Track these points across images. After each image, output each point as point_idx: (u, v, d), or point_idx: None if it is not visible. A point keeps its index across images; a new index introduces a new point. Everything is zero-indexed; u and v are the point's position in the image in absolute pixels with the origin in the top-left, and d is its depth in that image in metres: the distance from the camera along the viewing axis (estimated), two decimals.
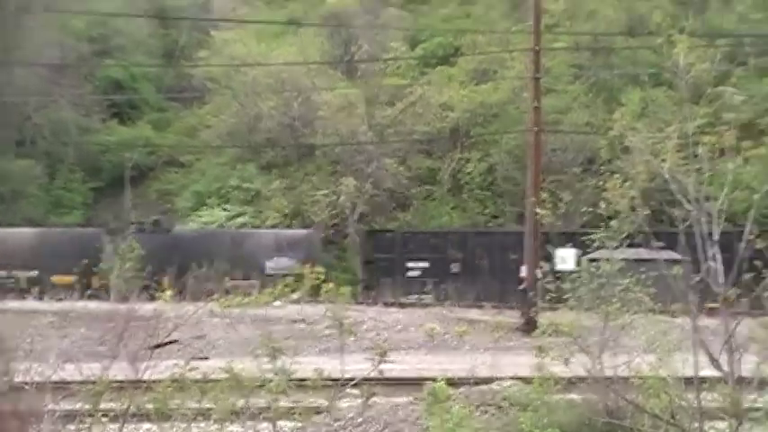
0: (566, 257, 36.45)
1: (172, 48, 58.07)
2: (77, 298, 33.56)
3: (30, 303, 32.08)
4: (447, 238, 39.23)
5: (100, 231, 38.88)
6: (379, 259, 39.04)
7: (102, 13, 53.11)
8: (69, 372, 11.77)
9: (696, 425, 10.16)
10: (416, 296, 35.50)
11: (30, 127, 50.99)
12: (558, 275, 13.97)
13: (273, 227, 42.07)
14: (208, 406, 10.13)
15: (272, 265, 36.29)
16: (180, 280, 34.24)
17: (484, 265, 37.58)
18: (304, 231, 40.84)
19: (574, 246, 13.14)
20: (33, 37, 50.92)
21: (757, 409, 10.19)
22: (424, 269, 37.90)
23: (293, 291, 10.34)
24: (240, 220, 43.25)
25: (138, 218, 44.89)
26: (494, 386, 16.49)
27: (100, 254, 36.78)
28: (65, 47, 53.20)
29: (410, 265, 37.99)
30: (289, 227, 42.54)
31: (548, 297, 13.79)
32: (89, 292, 34.11)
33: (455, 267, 37.71)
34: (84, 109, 52.83)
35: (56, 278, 34.22)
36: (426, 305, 33.68)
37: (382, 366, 10.16)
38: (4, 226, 41.46)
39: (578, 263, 35.54)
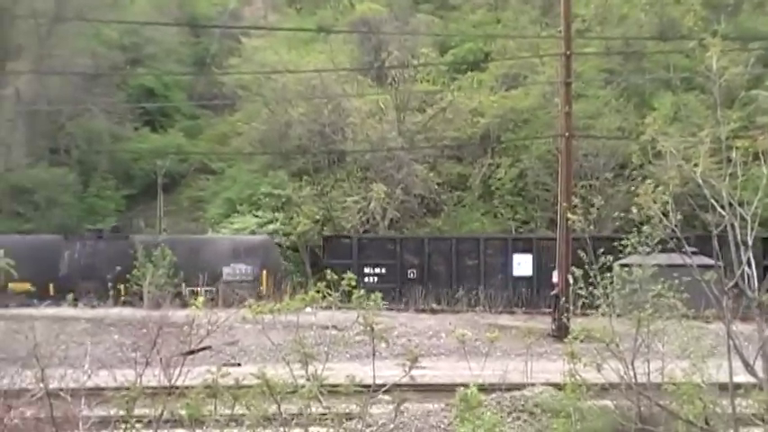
0: (522, 263, 36.65)
1: (203, 56, 58.44)
2: (111, 305, 33.80)
3: (65, 310, 32.30)
4: (403, 243, 39.05)
5: (58, 238, 38.93)
6: (334, 265, 38.44)
7: (133, 21, 53.51)
8: (103, 378, 11.86)
9: (731, 431, 10.09)
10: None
11: (63, 136, 51.51)
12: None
13: (303, 233, 42.16)
14: (240, 412, 10.16)
15: (229, 271, 36.22)
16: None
17: (441, 270, 37.40)
18: (261, 238, 40.66)
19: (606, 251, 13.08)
20: (66, 45, 51.35)
21: None
22: (380, 275, 37.84)
23: (324, 297, 10.32)
24: (271, 226, 43.32)
25: (168, 225, 45.21)
26: (526, 392, 16.45)
27: (58, 261, 37.05)
28: (97, 55, 53.65)
29: (367, 270, 37.87)
30: (320, 232, 42.62)
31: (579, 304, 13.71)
32: (123, 298, 34.41)
33: (412, 273, 37.61)
34: (116, 117, 53.28)
35: (13, 285, 34.39)
36: (457, 311, 33.63)
37: (414, 372, 10.14)
38: (38, 233, 41.84)
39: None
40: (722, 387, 10.71)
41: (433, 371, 21.06)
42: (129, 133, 53.96)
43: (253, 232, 42.18)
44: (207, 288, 34.53)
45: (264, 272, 36.98)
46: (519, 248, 37.89)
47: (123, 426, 9.51)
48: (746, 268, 9.92)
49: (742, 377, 10.13)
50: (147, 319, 12.91)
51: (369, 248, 39.03)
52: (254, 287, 35.80)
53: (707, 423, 10.36)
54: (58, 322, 26.42)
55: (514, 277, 37.08)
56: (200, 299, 10.71)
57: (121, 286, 34.38)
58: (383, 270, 37.91)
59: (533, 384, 17.18)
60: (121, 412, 9.50)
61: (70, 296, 31.35)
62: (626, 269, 13.99)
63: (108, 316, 30.82)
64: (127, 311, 30.49)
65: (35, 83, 50.68)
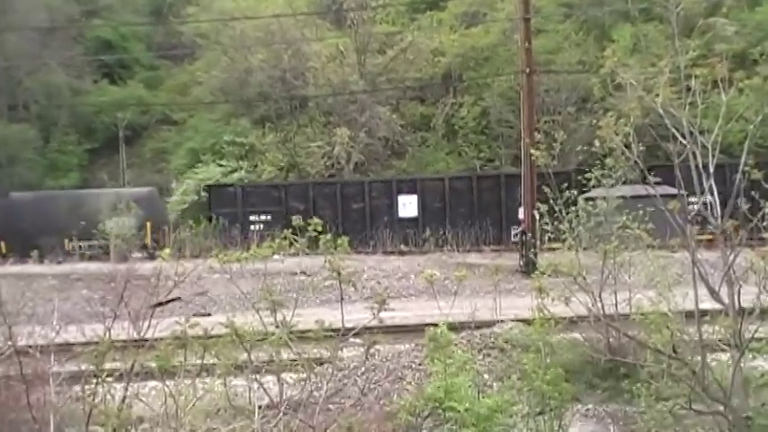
0: (407, 204, 36.94)
1: (160, 5, 57.74)
2: (78, 260, 33.72)
3: (31, 267, 32.20)
4: (288, 190, 39.23)
5: None
6: (220, 214, 38.76)
7: None
8: (72, 334, 11.82)
9: (698, 358, 10.20)
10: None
11: (22, 91, 50.89)
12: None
13: (270, 180, 42.06)
14: (211, 362, 10.17)
15: (111, 225, 36.24)
16: (20, 244, 34.94)
17: (327, 215, 37.14)
18: (145, 189, 40.61)
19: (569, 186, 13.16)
20: (21, 0, 50.61)
21: (759, 340, 10.22)
22: (266, 222, 37.94)
23: (291, 244, 10.29)
24: (236, 175, 43.19)
25: (132, 178, 44.95)
26: (495, 329, 16.56)
27: None
28: (53, 9, 52.93)
29: (252, 218, 38.20)
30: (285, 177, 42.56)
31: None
32: (88, 253, 34.38)
33: (297, 219, 37.44)
34: (75, 71, 52.67)
35: None
36: (425, 252, 33.74)
37: (383, 314, 10.16)
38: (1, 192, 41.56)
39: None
40: (689, 315, 10.80)
41: (403, 312, 21.15)
42: (89, 86, 53.41)
43: (217, 181, 42.01)
44: (89, 242, 34.83)
45: (148, 224, 37.01)
46: (404, 190, 38.36)
47: (94, 380, 9.48)
48: (708, 196, 9.96)
49: (708, 304, 10.22)
50: (114, 273, 12.86)
51: (253, 196, 39.24)
52: (138, 239, 36.06)
53: (674, 351, 10.45)
54: (25, 279, 26.35)
55: (400, 219, 37.45)
56: (167, 250, 10.64)
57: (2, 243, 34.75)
58: (268, 217, 38.02)
59: (502, 321, 17.30)
60: (92, 367, 9.46)
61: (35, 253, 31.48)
62: (590, 202, 14.07)
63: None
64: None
65: None
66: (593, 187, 13.85)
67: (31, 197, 39.70)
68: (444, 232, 35.32)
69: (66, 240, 36.21)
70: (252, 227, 37.60)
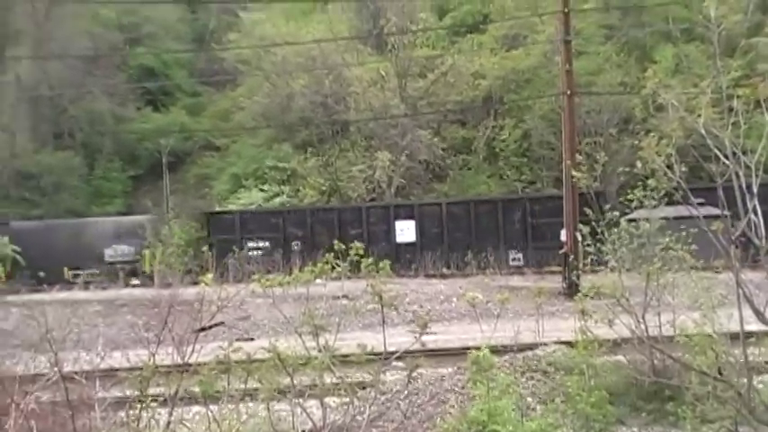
0: (404, 229, 36.81)
1: (201, 32, 58.35)
2: (122, 286, 34.03)
3: (77, 293, 32.49)
4: (286, 216, 38.95)
5: None
6: (219, 240, 38.54)
7: (130, 0, 53.34)
8: (117, 359, 11.91)
9: (744, 380, 10.11)
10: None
11: (66, 119, 51.51)
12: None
13: (312, 203, 42.19)
14: (255, 386, 10.21)
15: (111, 252, 36.46)
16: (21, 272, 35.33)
17: (325, 241, 36.33)
18: (143, 217, 40.79)
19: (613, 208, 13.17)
20: (64, 28, 51.28)
21: None
22: (264, 248, 37.86)
23: (333, 268, 10.34)
24: (278, 200, 43.42)
25: (175, 204, 45.31)
26: (538, 351, 16.48)
27: None
28: (96, 37, 53.57)
29: (251, 245, 37.92)
30: (327, 202, 42.72)
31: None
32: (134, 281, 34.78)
33: (296, 245, 37.52)
34: (118, 98, 53.27)
35: None
36: (468, 275, 33.68)
37: (426, 338, 10.17)
38: (47, 218, 42.07)
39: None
40: (734, 336, 10.72)
41: (446, 335, 21.10)
42: (132, 114, 53.97)
43: (259, 206, 42.25)
44: (89, 271, 35.16)
45: (147, 252, 37.26)
46: (401, 215, 38.27)
47: (138, 405, 9.56)
48: (753, 216, 9.89)
49: (753, 326, 10.13)
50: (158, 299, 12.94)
51: (251, 223, 39.09)
52: (136, 267, 36.36)
53: (720, 373, 10.37)
54: (70, 306, 26.58)
55: (397, 244, 37.32)
56: (209, 275, 10.72)
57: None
58: (267, 243, 37.89)
59: (545, 343, 17.20)
60: (136, 392, 9.55)
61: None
62: (633, 224, 14.00)
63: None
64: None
65: (35, 68, 50.67)
66: (636, 208, 13.78)
67: (33, 226, 40.18)
68: (486, 255, 35.21)
69: (66, 269, 36.66)
70: (250, 253, 37.55)
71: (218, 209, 42.68)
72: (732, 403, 10.23)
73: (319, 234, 37.84)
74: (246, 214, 39.86)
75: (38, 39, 51.13)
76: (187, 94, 57.66)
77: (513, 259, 36.50)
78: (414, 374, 12.95)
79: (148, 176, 51.47)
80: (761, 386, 10.85)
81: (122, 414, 10.18)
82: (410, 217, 38.11)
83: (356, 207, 39.86)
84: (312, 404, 10.66)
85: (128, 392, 9.98)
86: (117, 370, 11.05)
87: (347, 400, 10.33)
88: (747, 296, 9.77)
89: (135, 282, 35.74)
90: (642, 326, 12.75)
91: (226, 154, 50.78)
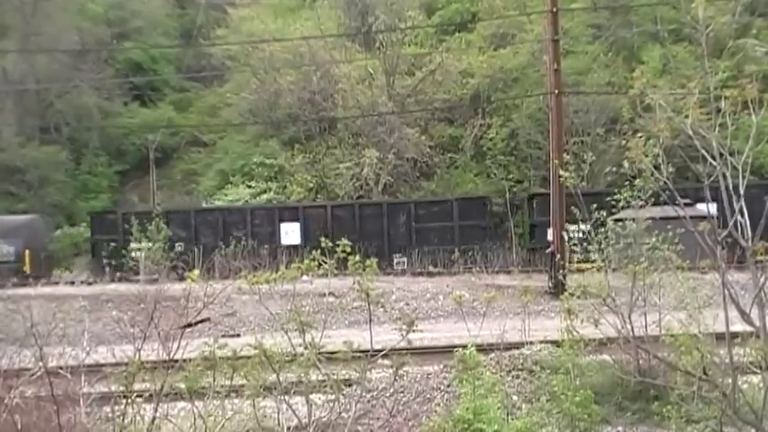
0: (289, 232, 36.79)
1: (189, 28, 58.10)
2: (108, 281, 33.93)
3: (62, 288, 32.40)
4: (169, 217, 38.12)
5: None
6: (102, 240, 38.52)
7: None
8: (102, 354, 11.89)
9: (729, 380, 10.14)
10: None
11: (53, 113, 51.37)
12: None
13: (299, 201, 42.18)
14: (240, 383, 10.21)
15: None
16: None
17: (209, 242, 36.86)
18: (25, 217, 40.65)
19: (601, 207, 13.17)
20: (51, 23, 51.13)
21: None
22: (148, 249, 36.62)
23: (319, 265, 10.33)
24: (265, 196, 43.41)
25: (162, 199, 45.28)
26: (524, 350, 16.52)
27: None
28: (83, 32, 53.45)
29: (133, 245, 36.85)
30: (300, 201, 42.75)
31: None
32: (119, 274, 34.66)
33: (180, 246, 37.18)
34: (105, 93, 53.14)
35: None
36: (454, 273, 33.69)
37: (412, 336, 10.16)
38: (33, 213, 41.92)
39: None
40: (719, 337, 10.75)
41: (432, 333, 21.10)
42: (119, 108, 53.82)
43: (246, 203, 42.23)
44: None
45: (27, 251, 37.13)
46: (286, 217, 38.20)
47: (124, 401, 9.54)
48: (739, 217, 9.92)
49: (739, 326, 10.16)
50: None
51: (134, 223, 37.90)
52: (17, 267, 36.27)
53: (705, 373, 10.40)
54: (55, 301, 26.51)
55: (283, 246, 36.96)
56: (196, 271, 10.70)
57: None
58: (150, 244, 36.54)
59: (531, 342, 17.24)
60: (121, 388, 9.53)
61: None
62: (620, 224, 14.05)
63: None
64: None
65: (22, 62, 50.50)
66: (623, 208, 13.82)
67: None
68: (473, 254, 35.23)
69: None
70: (133, 254, 36.60)
71: (99, 209, 42.95)
72: (717, 403, 10.26)
73: (204, 235, 37.85)
74: (128, 215, 38.47)
75: (25, 33, 50.99)
76: (174, 89, 57.53)
77: (398, 263, 36.49)
78: (400, 372, 12.96)
79: (135, 172, 51.40)
80: (745, 386, 10.89)
81: (107, 409, 10.15)
82: (295, 219, 38.04)
83: (240, 209, 39.82)
84: (298, 401, 10.65)
85: (113, 388, 9.95)
86: (102, 365, 11.02)
87: (333, 397, 10.32)
88: (733, 297, 9.79)
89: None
90: (628, 326, 12.80)
91: (213, 150, 50.69)
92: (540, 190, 38.03)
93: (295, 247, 36.03)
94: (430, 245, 36.18)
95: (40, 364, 9.71)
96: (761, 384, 10.36)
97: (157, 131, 48.89)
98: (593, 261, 13.75)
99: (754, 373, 10.51)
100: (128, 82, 53.96)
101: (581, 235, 14.56)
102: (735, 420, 10.07)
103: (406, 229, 37.57)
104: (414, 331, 10.11)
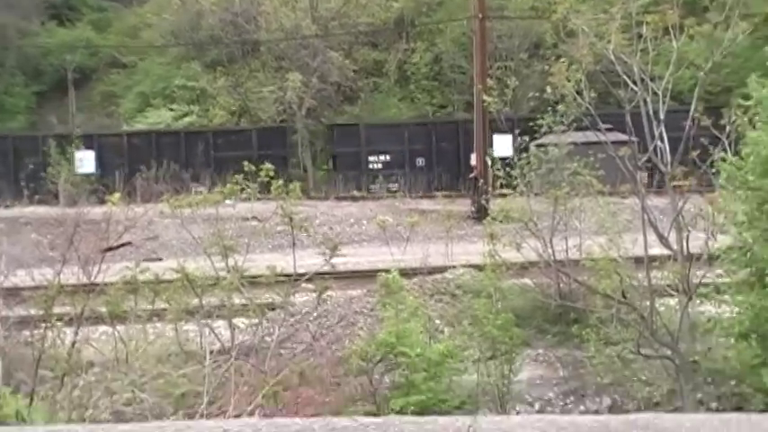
0: (85, 160, 36.73)
1: None
2: (26, 204, 33.39)
3: None
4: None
5: None
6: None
7: None
8: (21, 278, 11.72)
9: (647, 303, 10.33)
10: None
11: None
12: None
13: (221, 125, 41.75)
14: (162, 307, 10.15)
15: None
16: None
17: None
18: None
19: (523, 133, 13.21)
20: None
21: (706, 285, 10.36)
22: None
23: (242, 189, 10.25)
24: (187, 119, 42.80)
25: (81, 121, 44.48)
26: (447, 275, 16.63)
27: None
28: None
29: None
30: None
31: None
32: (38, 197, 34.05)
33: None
34: (21, 11, 51.61)
35: None
36: (379, 197, 33.74)
37: (336, 260, 10.17)
38: None
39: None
40: (638, 260, 10.92)
41: (355, 257, 21.14)
42: (36, 28, 52.42)
43: (168, 126, 41.66)
44: None
45: None
46: (80, 145, 37.67)
47: (43, 325, 9.42)
48: (659, 142, 10.03)
49: (657, 250, 10.33)
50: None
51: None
52: None
53: (624, 296, 10.58)
54: None
55: (79, 175, 36.20)
56: (116, 194, 10.56)
57: None
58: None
59: (454, 267, 17.36)
60: (41, 311, 9.41)
61: None
62: (542, 149, 14.12)
63: None
64: None
65: None
66: (545, 134, 13.88)
67: None
68: (397, 179, 35.27)
69: None
70: None
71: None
72: (635, 326, 10.47)
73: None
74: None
75: None
76: (93, 9, 56.07)
77: (197, 192, 36.30)
78: (323, 296, 12.98)
79: (53, 93, 50.21)
80: (662, 309, 11.10)
81: (27, 333, 10.04)
82: (90, 147, 37.64)
83: (34, 136, 39.27)
84: (220, 325, 10.64)
85: (32, 312, 9.83)
86: (21, 289, 10.86)
87: (256, 321, 10.31)
88: (652, 221, 9.95)
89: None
90: (549, 250, 12.92)
91: (133, 72, 49.68)
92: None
93: (88, 175, 35.75)
94: (228, 173, 35.70)
95: None
96: (677, 306, 10.57)
97: (76, 52, 47.81)
98: (516, 186, 13.83)
99: (671, 296, 10.72)
100: (44, 0, 52.58)
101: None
102: (652, 342, 10.29)
103: (205, 159, 37.65)
104: (337, 256, 10.12)
